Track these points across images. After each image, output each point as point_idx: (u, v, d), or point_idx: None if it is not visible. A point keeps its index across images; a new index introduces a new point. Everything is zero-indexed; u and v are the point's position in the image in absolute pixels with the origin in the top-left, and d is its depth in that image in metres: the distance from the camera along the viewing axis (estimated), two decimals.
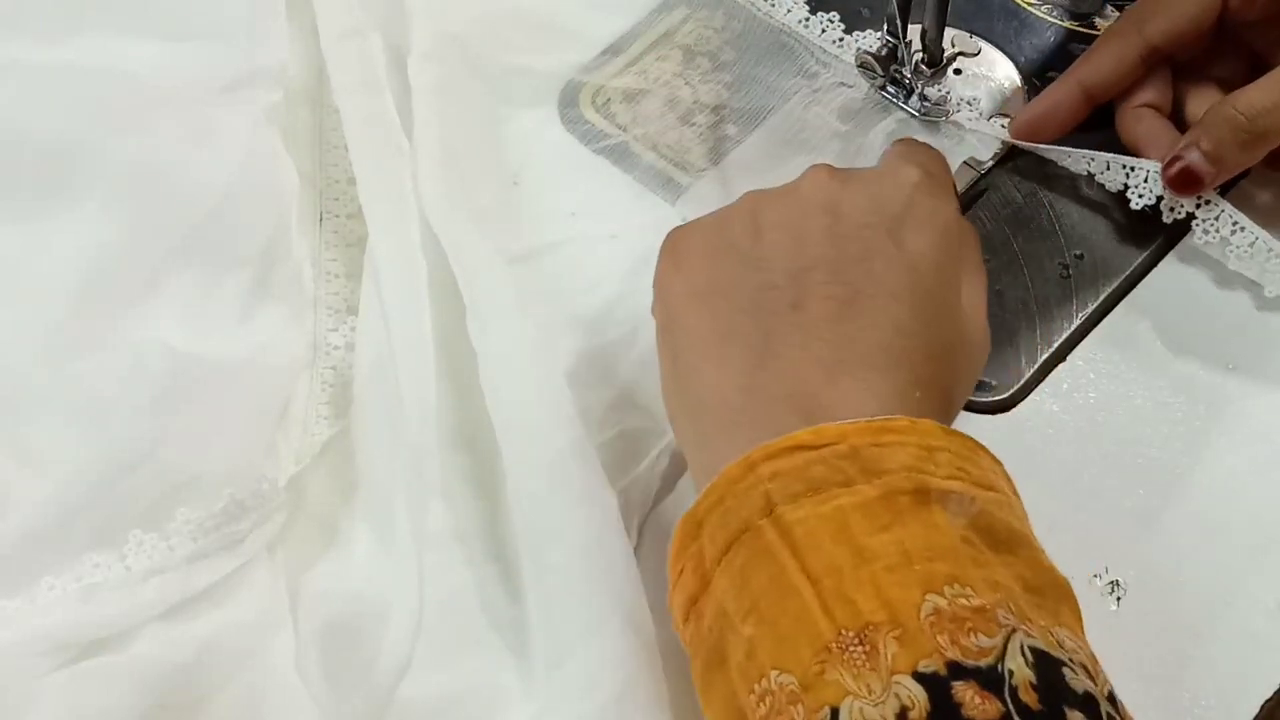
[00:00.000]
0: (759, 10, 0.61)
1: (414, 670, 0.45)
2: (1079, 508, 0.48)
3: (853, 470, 0.37)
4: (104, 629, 0.45)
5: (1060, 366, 0.52)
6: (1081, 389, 0.51)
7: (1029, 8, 0.61)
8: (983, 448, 0.40)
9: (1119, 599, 0.46)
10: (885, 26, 0.55)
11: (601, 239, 0.55)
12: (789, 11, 0.61)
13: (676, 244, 0.45)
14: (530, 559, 0.46)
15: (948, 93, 0.57)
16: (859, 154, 0.57)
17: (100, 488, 0.46)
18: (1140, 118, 0.54)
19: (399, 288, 0.51)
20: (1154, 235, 0.54)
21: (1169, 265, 0.54)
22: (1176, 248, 0.54)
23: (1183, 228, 0.53)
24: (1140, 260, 0.53)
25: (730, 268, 0.43)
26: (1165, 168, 0.51)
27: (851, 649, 0.34)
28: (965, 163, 0.56)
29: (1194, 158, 0.51)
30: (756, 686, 0.36)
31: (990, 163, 0.56)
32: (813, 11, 0.61)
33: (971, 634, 0.34)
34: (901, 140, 0.49)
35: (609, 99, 0.60)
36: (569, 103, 0.60)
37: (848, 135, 0.58)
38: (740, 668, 0.37)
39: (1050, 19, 0.60)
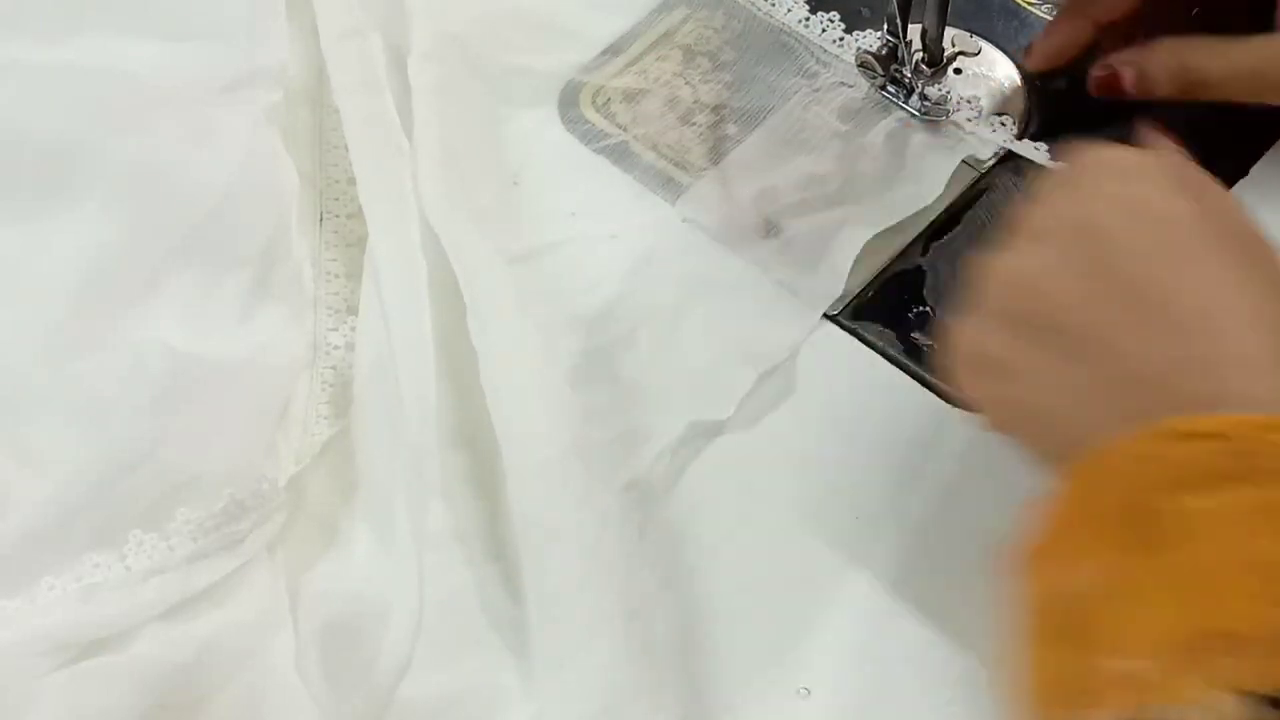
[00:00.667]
0: (759, 10, 0.61)
1: (414, 670, 0.45)
2: None
3: (1260, 466, 0.35)
4: (104, 629, 0.45)
5: None
6: None
7: (1029, 8, 0.61)
8: None
9: None
10: (885, 26, 0.55)
11: (601, 239, 0.55)
12: (789, 11, 0.61)
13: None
14: (530, 559, 0.46)
15: (948, 92, 0.57)
16: (859, 154, 0.57)
17: (100, 488, 0.46)
18: (1067, 14, 0.55)
19: (399, 288, 0.51)
20: None
21: None
22: None
23: None
24: None
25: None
26: (1098, 66, 0.53)
27: (1200, 652, 0.33)
28: (965, 162, 0.56)
29: (1127, 75, 0.53)
30: (1110, 661, 0.35)
31: (990, 162, 0.56)
32: (813, 11, 0.61)
33: None
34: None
35: (609, 99, 0.60)
36: (569, 103, 0.60)
37: (848, 135, 0.58)
38: (1092, 637, 0.36)
39: (1050, 19, 0.60)
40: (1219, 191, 0.42)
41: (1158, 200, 0.41)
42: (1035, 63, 0.57)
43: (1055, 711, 0.36)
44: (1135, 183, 0.41)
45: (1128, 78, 0.53)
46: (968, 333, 0.42)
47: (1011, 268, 0.41)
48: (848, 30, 0.60)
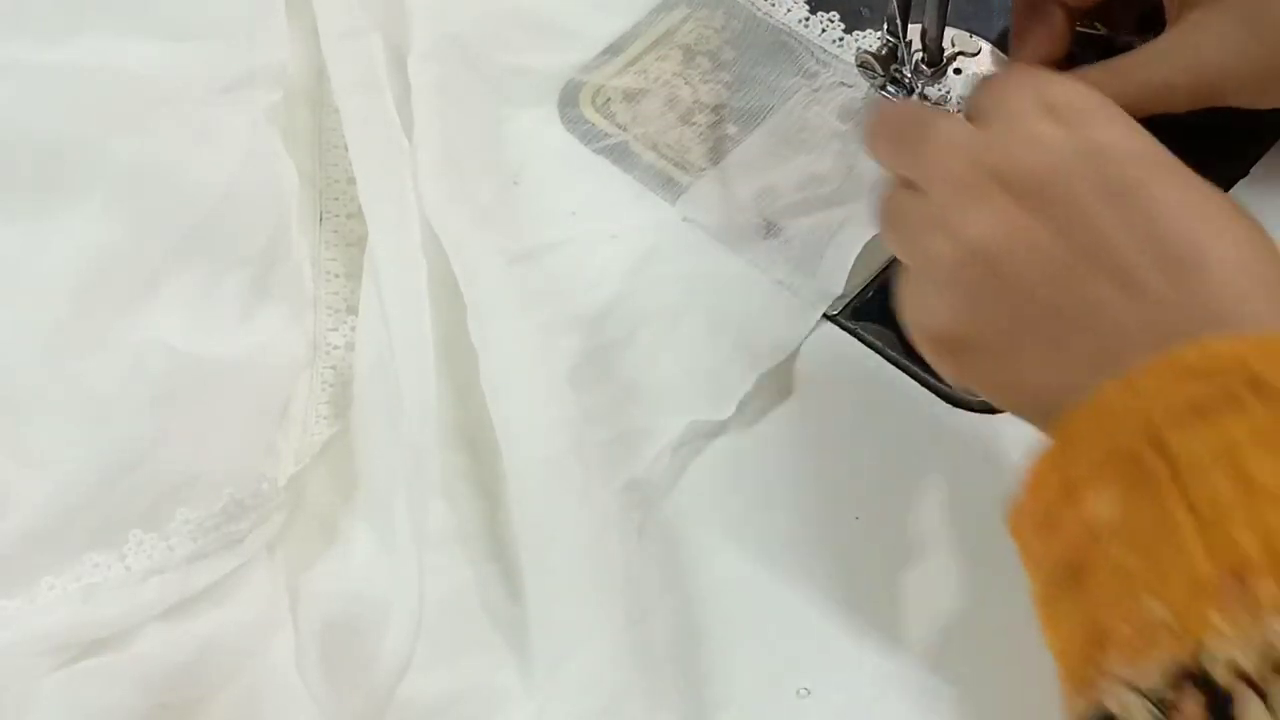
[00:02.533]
0: (759, 10, 0.61)
1: (414, 670, 0.45)
2: None
3: (1246, 392, 0.35)
4: (104, 629, 0.45)
5: None
6: None
7: None
8: None
9: None
10: (885, 26, 0.55)
11: (601, 239, 0.55)
12: (789, 11, 0.61)
13: (906, 200, 0.42)
14: (530, 559, 0.46)
15: (948, 92, 0.57)
16: (859, 154, 0.57)
17: (100, 488, 0.46)
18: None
19: (399, 287, 0.51)
20: None
21: None
22: None
23: None
24: None
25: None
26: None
27: (1229, 590, 0.32)
28: None
29: None
30: (1123, 611, 0.34)
31: None
32: (813, 11, 0.61)
33: None
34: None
35: (609, 99, 0.60)
36: (569, 102, 0.60)
37: (848, 135, 0.58)
38: (1106, 587, 0.35)
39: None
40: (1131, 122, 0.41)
41: (1107, 141, 0.40)
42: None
43: (1089, 671, 0.35)
44: (1076, 124, 0.40)
45: None
46: (924, 311, 0.41)
47: (968, 237, 0.40)
48: (848, 30, 0.60)
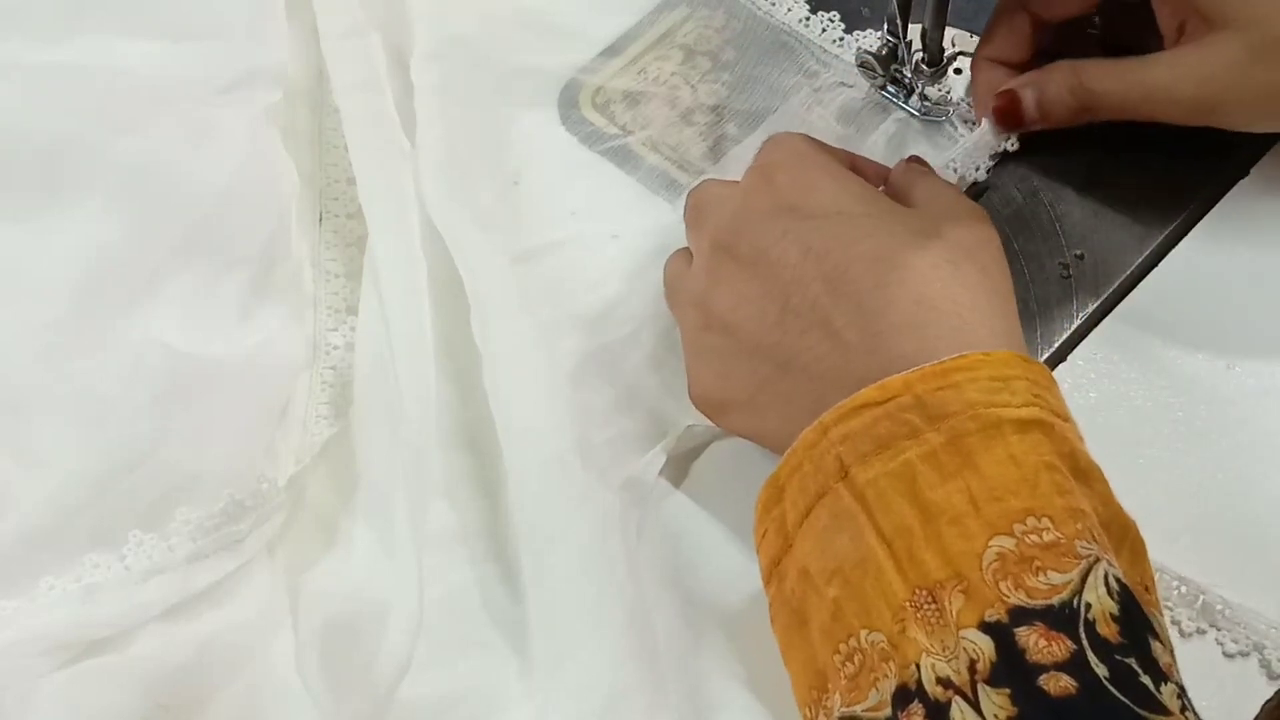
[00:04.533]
0: (759, 10, 0.61)
1: (414, 670, 0.45)
2: None
3: (918, 419, 0.37)
4: (104, 629, 0.45)
5: (1060, 366, 0.52)
6: (1081, 389, 0.51)
7: None
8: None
9: None
10: (885, 26, 0.55)
11: (603, 239, 0.55)
12: (789, 11, 0.61)
13: (677, 274, 0.48)
14: (531, 559, 0.46)
15: (948, 92, 0.57)
16: (860, 154, 0.57)
17: (100, 488, 0.46)
18: (982, 68, 0.55)
19: (399, 287, 0.51)
20: (1155, 234, 0.54)
21: (1170, 265, 0.54)
22: (1178, 247, 0.54)
23: (1189, 226, 0.53)
24: (1141, 260, 0.53)
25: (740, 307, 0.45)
26: (997, 95, 0.53)
27: (925, 608, 0.35)
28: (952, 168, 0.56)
29: (1027, 98, 0.53)
30: (843, 646, 0.37)
31: (991, 163, 0.56)
32: (813, 11, 0.61)
33: (1040, 573, 0.34)
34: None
35: (609, 99, 0.60)
36: (569, 103, 0.60)
37: (848, 136, 0.58)
38: (824, 628, 0.38)
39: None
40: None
41: (799, 200, 0.45)
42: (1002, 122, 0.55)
43: (817, 713, 0.38)
44: (779, 186, 0.46)
45: (1028, 101, 0.53)
46: (693, 378, 0.47)
47: (709, 308, 0.45)
48: (848, 30, 0.60)
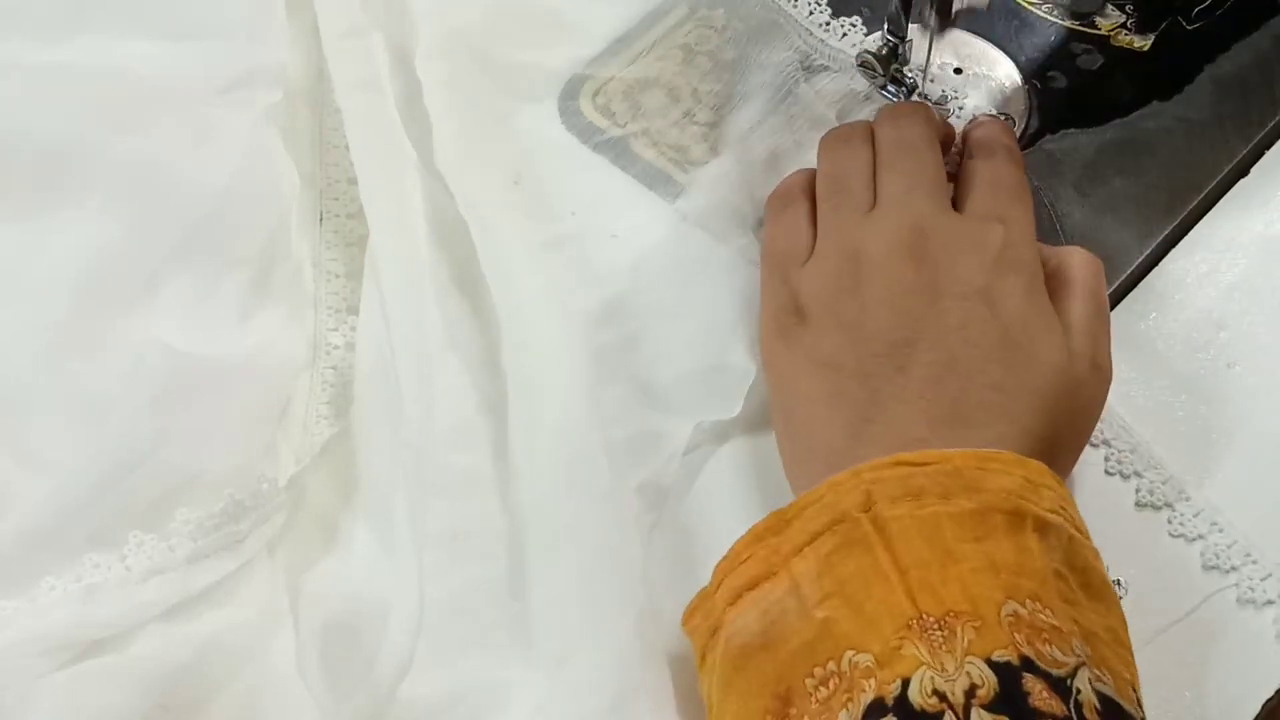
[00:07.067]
0: (759, 9, 0.61)
1: (414, 670, 0.45)
2: (1081, 506, 0.48)
3: (953, 485, 0.39)
4: (104, 629, 0.45)
5: None
6: None
7: (1029, 7, 0.61)
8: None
9: (1120, 598, 0.46)
10: (885, 26, 0.55)
11: (602, 237, 0.55)
12: (794, 6, 0.61)
13: (780, 316, 0.48)
14: (542, 556, 0.46)
15: (948, 92, 0.57)
16: None
17: (100, 488, 0.46)
18: None
19: (399, 287, 0.51)
20: (1155, 234, 0.54)
21: (1170, 264, 0.54)
22: (1178, 247, 0.54)
23: (1189, 227, 0.53)
24: (1141, 260, 0.53)
25: (837, 341, 0.45)
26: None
27: (931, 630, 0.36)
28: None
29: None
30: (819, 670, 0.37)
31: None
32: (813, 11, 0.60)
33: (1048, 644, 0.36)
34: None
35: (609, 97, 0.60)
36: (569, 100, 0.60)
37: None
38: (802, 649, 0.38)
39: (1051, 19, 0.60)
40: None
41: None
42: None
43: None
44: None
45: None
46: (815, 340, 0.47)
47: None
48: (835, 15, 0.60)
